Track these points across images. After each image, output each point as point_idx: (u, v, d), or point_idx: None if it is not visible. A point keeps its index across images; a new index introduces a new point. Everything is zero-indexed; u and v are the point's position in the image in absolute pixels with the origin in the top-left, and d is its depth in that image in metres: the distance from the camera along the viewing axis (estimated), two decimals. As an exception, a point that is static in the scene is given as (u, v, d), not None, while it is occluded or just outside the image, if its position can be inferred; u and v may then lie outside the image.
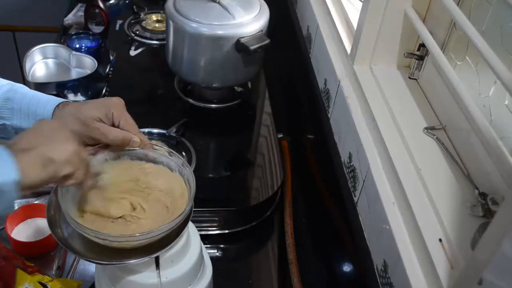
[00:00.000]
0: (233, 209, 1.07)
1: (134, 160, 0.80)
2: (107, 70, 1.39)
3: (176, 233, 0.73)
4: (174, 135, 1.17)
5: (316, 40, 1.21)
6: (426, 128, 0.87)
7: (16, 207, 1.00)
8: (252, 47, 1.15)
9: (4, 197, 0.59)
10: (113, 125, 0.77)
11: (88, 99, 1.28)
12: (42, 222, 1.01)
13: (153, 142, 0.81)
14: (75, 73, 1.37)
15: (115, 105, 0.77)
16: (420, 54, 0.95)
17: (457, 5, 0.81)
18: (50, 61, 1.39)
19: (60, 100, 0.79)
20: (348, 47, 1.05)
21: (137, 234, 0.69)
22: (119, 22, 1.57)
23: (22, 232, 0.99)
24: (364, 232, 0.85)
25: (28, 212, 1.02)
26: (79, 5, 1.64)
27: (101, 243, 0.70)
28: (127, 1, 1.70)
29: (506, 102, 0.71)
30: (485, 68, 0.74)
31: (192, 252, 0.77)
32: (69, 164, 0.65)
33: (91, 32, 1.50)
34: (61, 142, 0.66)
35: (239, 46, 1.16)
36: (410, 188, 0.76)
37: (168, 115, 1.27)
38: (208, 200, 1.03)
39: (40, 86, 1.30)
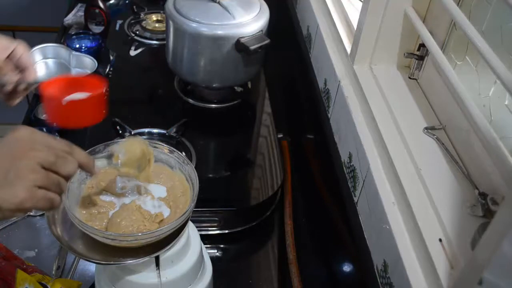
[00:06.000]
0: (233, 209, 1.07)
1: None
2: (107, 70, 1.39)
3: (176, 233, 0.73)
4: (174, 135, 1.17)
5: (316, 40, 1.21)
6: (426, 128, 0.87)
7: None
8: (252, 47, 1.15)
9: None
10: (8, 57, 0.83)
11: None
12: None
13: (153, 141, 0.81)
14: (75, 73, 1.36)
15: (21, 42, 0.83)
16: (420, 54, 0.95)
17: (457, 5, 0.81)
18: (50, 61, 1.38)
19: None
20: (348, 47, 1.05)
21: (147, 232, 0.69)
22: (119, 22, 1.57)
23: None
24: (364, 232, 0.85)
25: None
26: (79, 5, 1.64)
27: (110, 243, 0.70)
28: (127, 1, 1.70)
29: (506, 102, 0.71)
30: (485, 68, 0.74)
31: (192, 252, 0.77)
32: (20, 210, 0.57)
33: (91, 32, 1.50)
34: (9, 186, 0.56)
35: (239, 46, 1.16)
36: (410, 188, 0.76)
37: (168, 115, 1.27)
38: (208, 200, 1.03)
39: (40, 86, 1.30)
